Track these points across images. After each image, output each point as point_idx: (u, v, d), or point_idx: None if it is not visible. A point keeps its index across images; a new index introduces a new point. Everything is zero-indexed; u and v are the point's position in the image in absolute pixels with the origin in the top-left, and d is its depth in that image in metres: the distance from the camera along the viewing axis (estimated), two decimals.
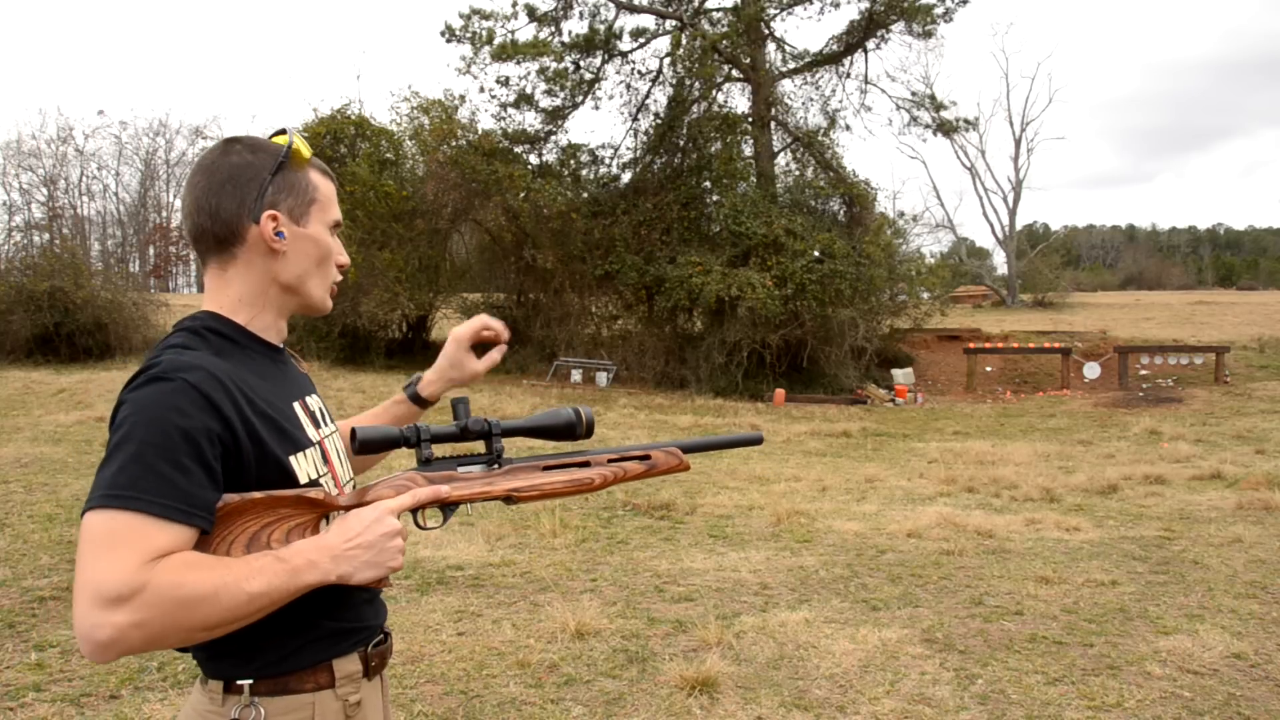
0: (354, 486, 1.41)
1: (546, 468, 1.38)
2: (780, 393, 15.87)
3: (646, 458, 1.43)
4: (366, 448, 1.27)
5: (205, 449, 1.11)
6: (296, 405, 1.31)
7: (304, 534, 1.20)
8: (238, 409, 1.16)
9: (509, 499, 1.35)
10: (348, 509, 1.24)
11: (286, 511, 1.19)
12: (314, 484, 1.25)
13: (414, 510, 1.29)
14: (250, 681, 1.20)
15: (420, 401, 1.60)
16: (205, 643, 1.17)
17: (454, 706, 3.42)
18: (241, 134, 1.35)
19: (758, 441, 1.57)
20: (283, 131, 1.33)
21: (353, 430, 1.29)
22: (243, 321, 1.29)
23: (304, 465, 1.25)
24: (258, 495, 1.17)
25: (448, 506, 1.33)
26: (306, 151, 1.31)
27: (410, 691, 3.53)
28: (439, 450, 1.36)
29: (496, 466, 1.36)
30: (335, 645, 1.27)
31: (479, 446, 1.39)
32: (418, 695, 3.51)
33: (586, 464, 1.40)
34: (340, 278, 1.38)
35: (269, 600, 1.12)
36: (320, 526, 1.24)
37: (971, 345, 18.65)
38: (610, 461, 1.42)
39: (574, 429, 1.39)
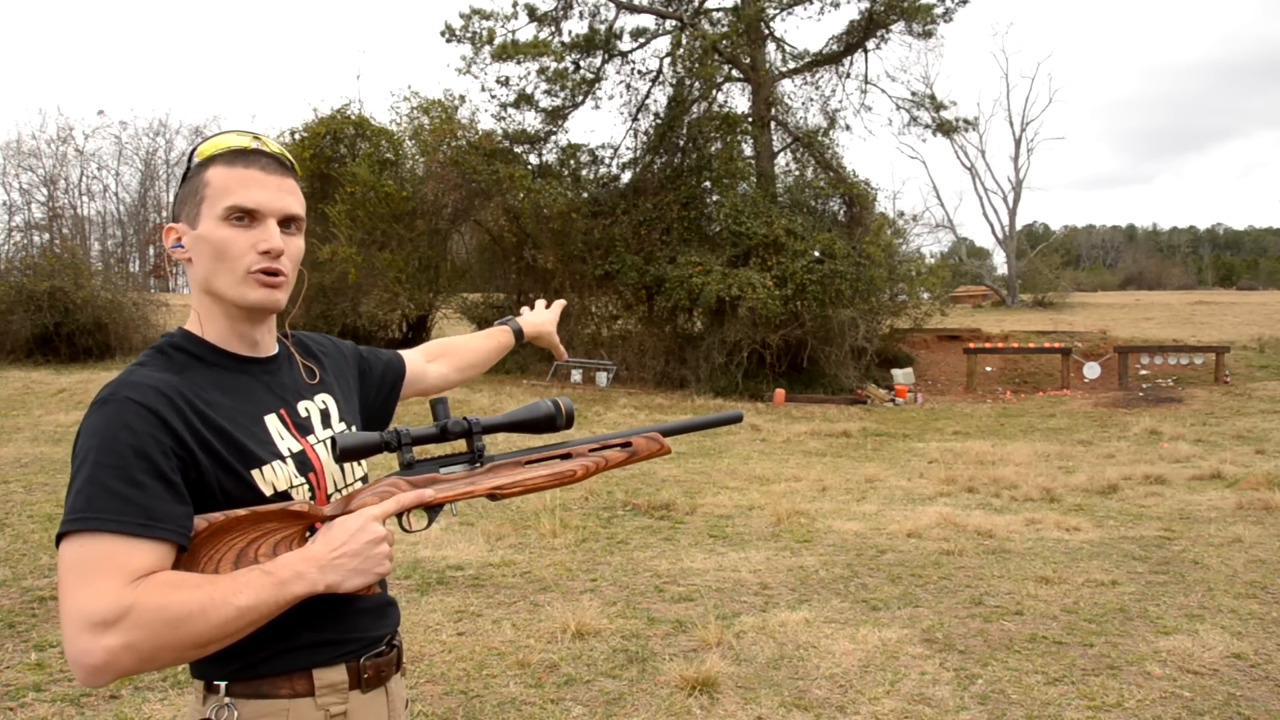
0: (364, 482, 1.42)
1: (529, 462, 1.37)
2: (780, 393, 15.86)
3: (628, 445, 1.43)
4: (347, 455, 1.26)
5: (160, 463, 1.12)
6: (272, 417, 1.30)
7: (290, 546, 1.21)
8: (187, 423, 1.17)
9: (493, 496, 1.35)
10: (332, 518, 1.24)
11: (272, 526, 1.20)
12: (283, 496, 1.25)
13: (399, 514, 1.30)
14: (225, 683, 1.22)
15: (520, 339, 1.89)
16: None
17: (454, 706, 3.42)
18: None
19: (737, 419, 1.57)
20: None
21: (332, 439, 1.29)
22: (200, 333, 1.29)
23: (269, 477, 1.24)
24: (242, 512, 1.18)
25: (432, 508, 1.33)
26: (209, 149, 1.27)
27: (410, 691, 3.53)
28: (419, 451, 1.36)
29: (478, 465, 1.35)
30: (315, 655, 1.26)
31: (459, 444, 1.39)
32: (418, 695, 3.51)
33: (568, 455, 1.40)
34: (266, 264, 1.25)
35: (258, 614, 1.13)
36: (306, 538, 1.24)
37: (971, 345, 18.64)
38: (592, 451, 1.42)
39: (554, 420, 1.37)
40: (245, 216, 1.24)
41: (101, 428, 1.12)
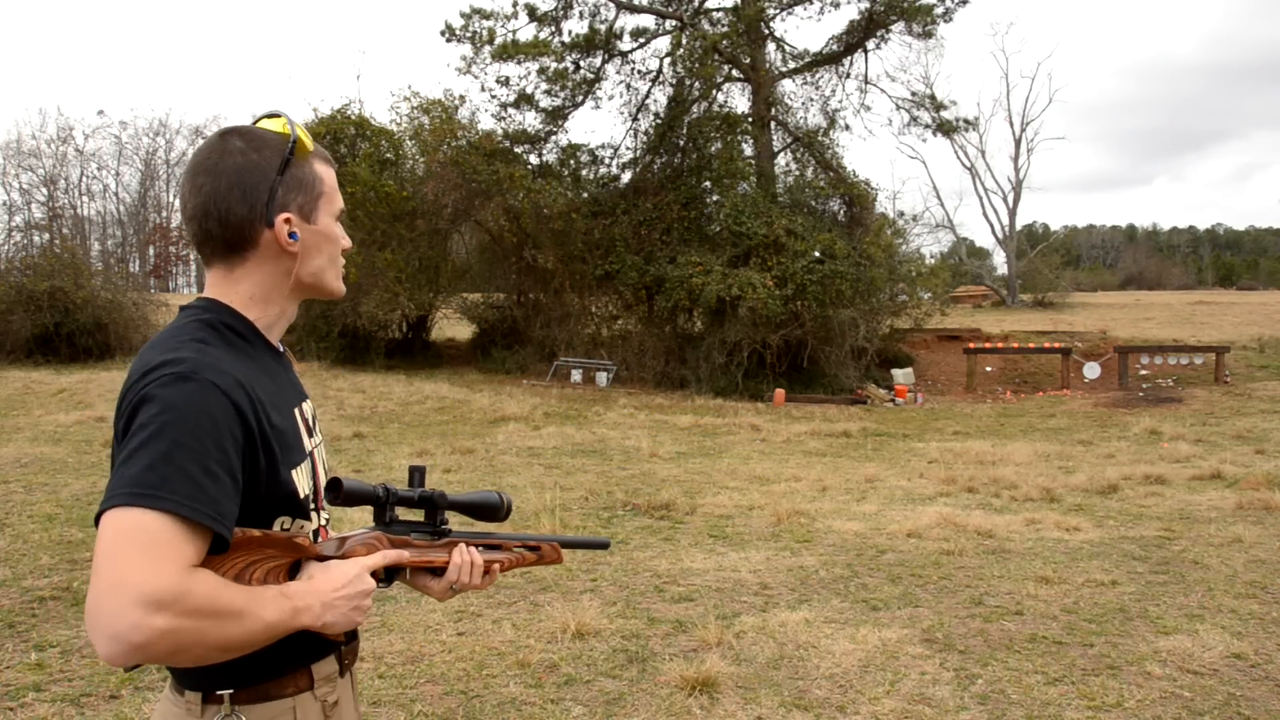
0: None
1: (475, 545, 1.48)
2: (780, 393, 15.86)
3: (537, 549, 1.56)
4: (350, 500, 1.30)
5: (232, 457, 1.11)
6: (296, 412, 1.31)
7: (278, 577, 1.19)
8: (257, 418, 1.16)
9: (434, 570, 1.43)
10: (325, 559, 1.26)
11: (271, 553, 1.20)
12: (304, 503, 1.26)
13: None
14: (231, 691, 1.20)
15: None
16: None
17: (454, 706, 3.42)
18: (235, 125, 1.30)
19: (605, 545, 1.72)
20: (273, 115, 1.29)
21: (336, 480, 1.30)
22: (251, 317, 1.28)
23: (301, 481, 1.25)
24: (255, 533, 1.17)
25: (395, 569, 1.39)
26: (309, 143, 1.28)
27: (410, 691, 3.53)
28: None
29: (439, 538, 1.44)
30: (315, 650, 1.28)
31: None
32: (418, 695, 3.51)
33: (499, 546, 1.51)
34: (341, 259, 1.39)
35: (273, 634, 1.13)
36: (290, 573, 1.23)
37: (971, 345, 18.63)
38: (515, 547, 1.54)
39: (497, 512, 1.47)
40: (341, 217, 1.37)
41: (182, 405, 1.08)
